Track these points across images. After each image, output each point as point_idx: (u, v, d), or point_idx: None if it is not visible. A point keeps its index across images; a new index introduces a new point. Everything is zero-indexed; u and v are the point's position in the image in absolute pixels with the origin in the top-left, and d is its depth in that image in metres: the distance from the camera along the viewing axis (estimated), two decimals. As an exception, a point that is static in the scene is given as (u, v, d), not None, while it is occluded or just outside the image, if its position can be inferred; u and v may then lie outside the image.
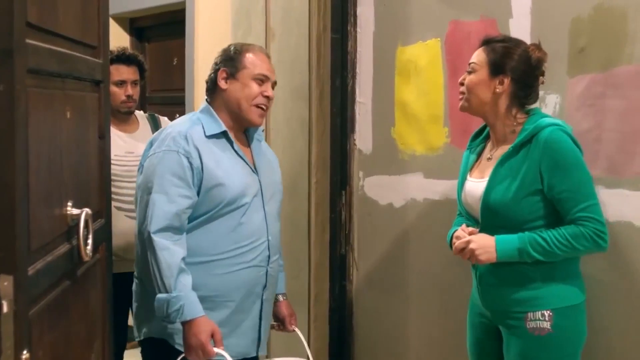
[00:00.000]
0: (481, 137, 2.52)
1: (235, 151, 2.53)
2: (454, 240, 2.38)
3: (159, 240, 2.34)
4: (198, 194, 2.43)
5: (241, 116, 2.53)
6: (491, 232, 2.31)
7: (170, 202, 2.37)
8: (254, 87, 2.50)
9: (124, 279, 2.85)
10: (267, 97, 2.52)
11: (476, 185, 2.38)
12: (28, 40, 1.38)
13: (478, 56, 2.36)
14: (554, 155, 2.21)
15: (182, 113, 4.68)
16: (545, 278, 2.28)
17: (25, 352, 1.33)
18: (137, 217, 2.48)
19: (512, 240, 2.25)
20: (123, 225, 3.09)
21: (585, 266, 2.46)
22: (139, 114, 3.48)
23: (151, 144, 2.55)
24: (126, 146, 3.29)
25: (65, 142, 1.68)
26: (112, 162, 2.87)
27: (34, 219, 1.42)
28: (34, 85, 1.43)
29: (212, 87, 2.57)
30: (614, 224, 2.41)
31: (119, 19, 5.36)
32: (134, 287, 2.60)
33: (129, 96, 3.32)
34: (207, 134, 2.49)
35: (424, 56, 3.05)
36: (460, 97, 2.39)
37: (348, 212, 3.42)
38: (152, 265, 2.34)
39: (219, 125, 2.52)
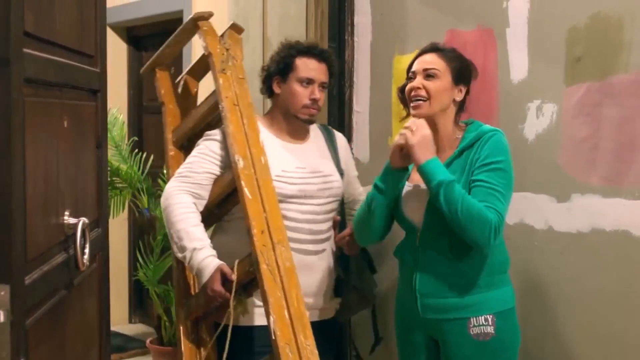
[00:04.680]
0: None
1: None
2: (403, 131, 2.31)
3: None
4: None
5: None
6: (432, 236, 2.34)
7: None
8: None
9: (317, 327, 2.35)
10: None
11: (419, 189, 2.38)
12: (25, 50, 1.38)
13: (436, 62, 2.39)
14: (491, 152, 2.28)
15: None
16: (487, 283, 2.32)
17: (21, 361, 1.33)
18: None
19: (441, 170, 2.23)
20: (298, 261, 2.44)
21: (582, 276, 2.46)
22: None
23: None
24: (295, 159, 2.66)
25: (62, 151, 1.68)
26: (277, 179, 2.52)
27: (31, 228, 1.42)
28: (31, 94, 1.43)
29: None
30: (611, 233, 2.41)
31: (116, 28, 5.37)
32: None
33: (314, 100, 2.64)
34: None
35: (421, 65, 3.06)
36: (419, 101, 2.37)
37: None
38: None
39: None
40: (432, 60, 2.39)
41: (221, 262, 2.42)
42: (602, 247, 2.44)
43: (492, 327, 2.29)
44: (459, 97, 2.39)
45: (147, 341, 4.65)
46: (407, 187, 2.44)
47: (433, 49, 2.43)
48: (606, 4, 2.42)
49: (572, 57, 2.51)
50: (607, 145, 2.43)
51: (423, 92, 2.37)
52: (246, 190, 2.39)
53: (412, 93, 2.39)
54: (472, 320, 2.30)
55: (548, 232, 2.57)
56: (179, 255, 2.50)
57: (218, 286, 2.38)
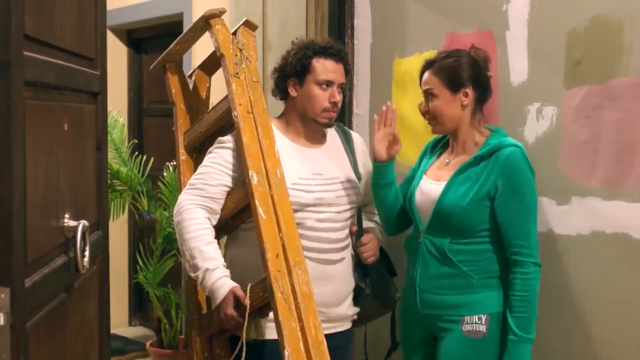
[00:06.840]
0: (440, 145, 2.61)
1: None
2: None
3: None
4: None
5: None
6: (434, 234, 2.40)
7: None
8: None
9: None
10: None
11: (432, 186, 2.45)
12: (26, 53, 1.38)
13: (431, 81, 2.43)
14: (510, 177, 2.32)
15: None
16: (484, 284, 2.37)
17: (21, 364, 1.33)
18: None
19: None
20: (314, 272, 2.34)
21: (582, 278, 2.46)
22: None
23: None
24: (312, 166, 2.55)
25: (63, 153, 1.68)
26: (294, 188, 2.42)
27: (31, 231, 1.42)
28: (32, 97, 1.43)
29: None
30: (611, 236, 2.41)
31: (117, 31, 5.38)
32: None
33: (334, 103, 2.53)
34: None
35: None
36: (430, 123, 2.48)
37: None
38: None
39: None
40: (427, 80, 2.44)
41: (234, 285, 2.32)
42: (603, 250, 2.44)
43: (484, 326, 2.34)
44: (466, 101, 2.41)
45: (147, 344, 4.65)
46: (424, 181, 2.50)
47: (426, 65, 2.47)
48: (606, 6, 2.42)
49: (572, 60, 2.51)
50: (607, 148, 2.43)
51: (430, 115, 2.45)
52: (260, 210, 2.25)
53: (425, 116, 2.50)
54: (466, 318, 2.36)
55: (548, 234, 2.57)
56: (192, 274, 2.39)
57: (230, 310, 2.28)
